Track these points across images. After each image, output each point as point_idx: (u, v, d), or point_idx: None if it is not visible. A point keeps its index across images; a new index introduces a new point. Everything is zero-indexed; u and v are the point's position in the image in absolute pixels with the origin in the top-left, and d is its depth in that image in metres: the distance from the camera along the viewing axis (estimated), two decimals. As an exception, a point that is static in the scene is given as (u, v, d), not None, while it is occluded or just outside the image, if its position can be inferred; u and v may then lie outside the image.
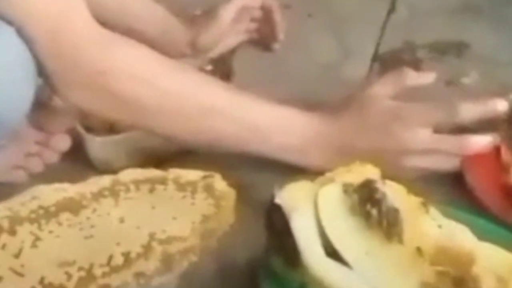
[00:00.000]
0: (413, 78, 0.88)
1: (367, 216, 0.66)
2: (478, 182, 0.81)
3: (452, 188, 0.82)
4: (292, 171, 0.78)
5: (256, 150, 0.83)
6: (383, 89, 0.86)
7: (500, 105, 0.84)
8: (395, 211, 0.66)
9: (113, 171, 0.80)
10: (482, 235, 0.70)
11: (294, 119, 0.84)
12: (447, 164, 0.83)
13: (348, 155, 0.80)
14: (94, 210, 0.74)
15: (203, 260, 0.70)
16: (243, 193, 0.77)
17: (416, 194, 0.72)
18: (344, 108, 0.85)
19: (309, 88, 1.02)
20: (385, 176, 0.74)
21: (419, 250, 0.64)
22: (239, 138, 0.83)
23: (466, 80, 1.01)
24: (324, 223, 0.66)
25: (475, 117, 0.83)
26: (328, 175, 0.71)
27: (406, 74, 0.87)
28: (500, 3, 1.19)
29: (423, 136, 0.82)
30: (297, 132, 0.83)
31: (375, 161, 0.75)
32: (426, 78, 0.89)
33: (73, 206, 0.73)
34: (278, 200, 0.67)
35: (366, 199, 0.66)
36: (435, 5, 1.20)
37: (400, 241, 0.65)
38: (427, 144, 0.82)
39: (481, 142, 0.83)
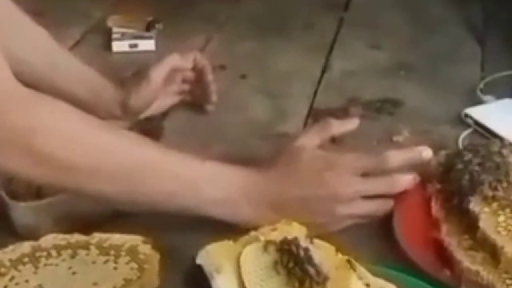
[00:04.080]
0: (338, 126, 0.90)
1: (289, 275, 0.64)
2: (409, 238, 0.80)
3: (383, 246, 0.81)
4: (221, 233, 0.76)
5: (186, 206, 0.81)
6: (310, 140, 0.87)
7: (424, 152, 0.87)
8: (319, 269, 0.64)
9: (38, 238, 0.77)
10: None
11: (224, 174, 0.83)
12: (378, 208, 0.84)
13: (280, 209, 0.80)
14: (12, 278, 0.72)
15: (125, 326, 0.68)
16: (169, 256, 0.75)
17: (345, 252, 0.71)
18: (274, 162, 0.85)
19: (244, 148, 1.01)
20: (312, 234, 0.73)
21: (344, 309, 0.63)
22: (169, 193, 0.81)
23: (398, 138, 1.02)
24: (246, 283, 0.64)
25: (402, 163, 0.86)
26: (252, 234, 0.70)
27: (330, 123, 0.90)
28: (431, 62, 1.21)
29: (353, 181, 0.83)
30: (226, 186, 0.82)
31: (307, 214, 0.75)
32: (349, 125, 0.92)
33: (-11, 275, 0.71)
34: (199, 261, 0.65)
35: (288, 258, 0.65)
36: (368, 64, 1.21)
37: (324, 300, 0.63)
38: (357, 188, 0.83)
39: (407, 179, 0.85)
